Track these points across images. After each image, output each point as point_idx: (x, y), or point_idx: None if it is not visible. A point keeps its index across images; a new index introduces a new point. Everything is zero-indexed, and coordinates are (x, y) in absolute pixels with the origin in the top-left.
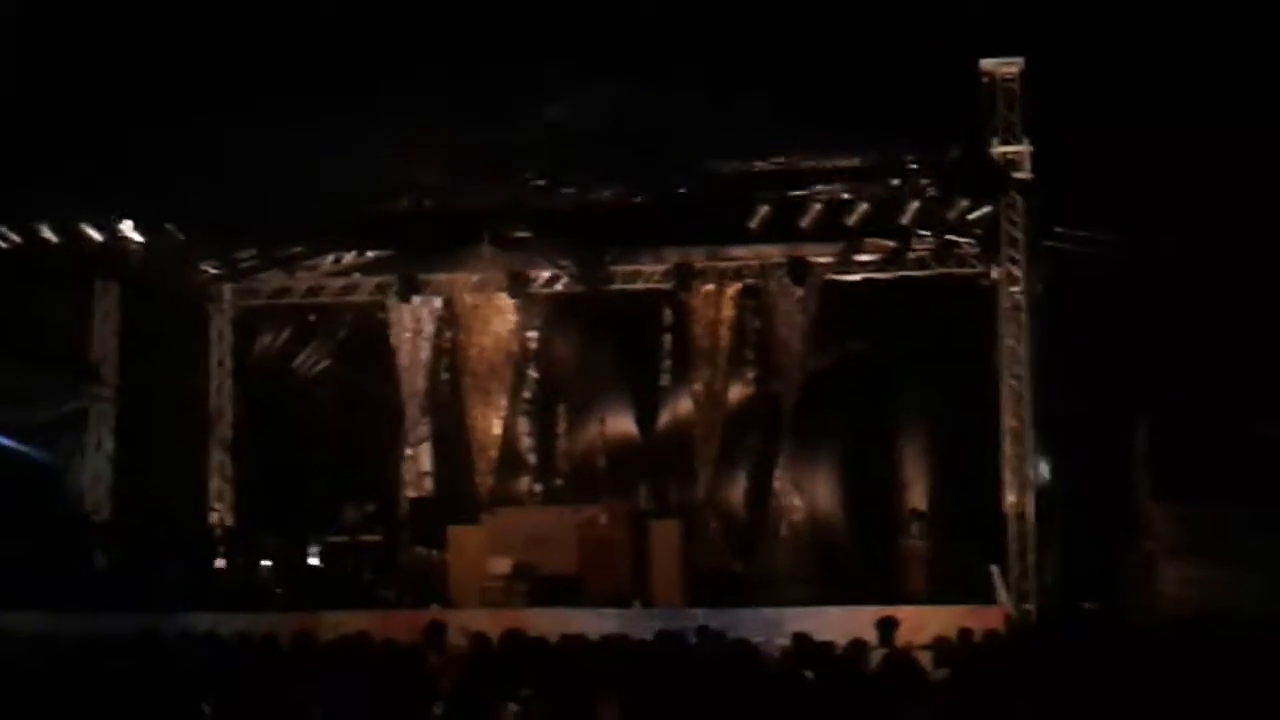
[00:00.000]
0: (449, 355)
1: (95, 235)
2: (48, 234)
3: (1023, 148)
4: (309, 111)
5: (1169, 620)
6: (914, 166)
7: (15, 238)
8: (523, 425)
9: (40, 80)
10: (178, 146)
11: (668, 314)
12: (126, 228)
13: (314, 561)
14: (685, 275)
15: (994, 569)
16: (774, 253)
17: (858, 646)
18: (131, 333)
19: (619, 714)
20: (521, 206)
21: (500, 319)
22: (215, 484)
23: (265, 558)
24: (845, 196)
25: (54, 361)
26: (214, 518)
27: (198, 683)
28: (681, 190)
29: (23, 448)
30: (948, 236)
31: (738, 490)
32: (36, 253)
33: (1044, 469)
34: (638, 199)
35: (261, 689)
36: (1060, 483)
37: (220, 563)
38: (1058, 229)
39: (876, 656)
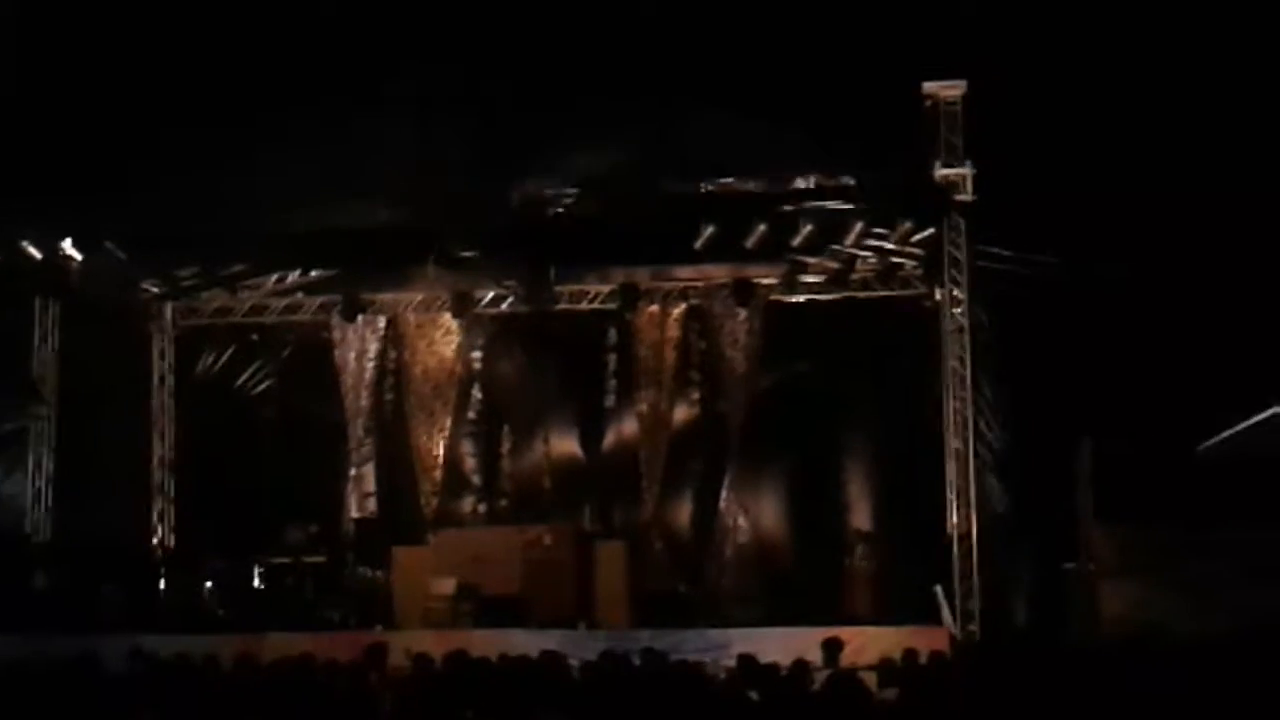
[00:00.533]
0: (393, 375)
1: (35, 253)
2: None
3: (965, 170)
4: (253, 128)
5: (1110, 640)
6: (857, 188)
7: None
8: (467, 445)
9: None
10: (118, 164)
11: (613, 334)
12: (67, 245)
13: (257, 583)
14: (630, 295)
15: (938, 590)
16: (719, 273)
17: (801, 667)
18: (72, 351)
19: None
20: (466, 225)
21: (445, 339)
22: (157, 504)
23: (208, 579)
24: (789, 216)
25: None
26: (156, 539)
27: (137, 705)
28: (627, 210)
29: None
30: (891, 258)
31: (683, 511)
32: None
33: (996, 492)
34: (583, 219)
35: (203, 711)
36: (1004, 504)
37: (162, 584)
38: (1000, 251)
39: (821, 677)
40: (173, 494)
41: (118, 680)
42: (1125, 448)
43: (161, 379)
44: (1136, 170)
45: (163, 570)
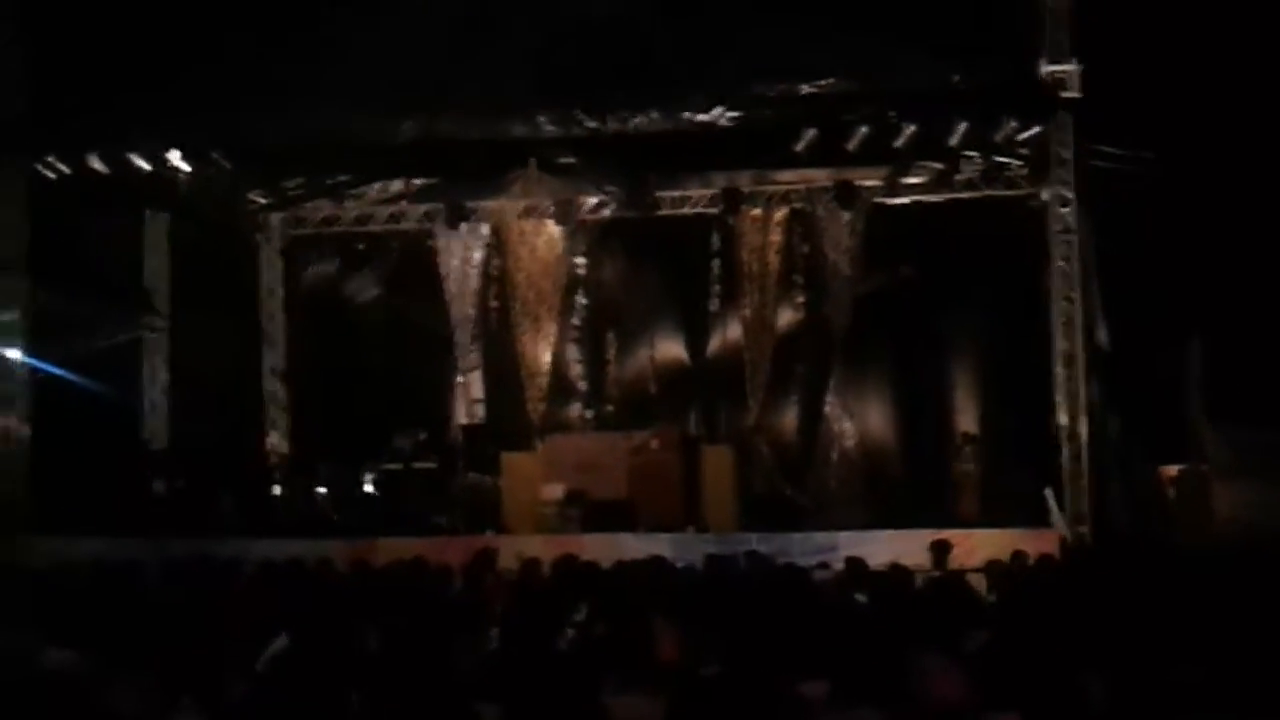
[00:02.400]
0: (497, 283)
1: (144, 165)
2: (97, 164)
3: (1071, 67)
4: (353, 37)
5: (1222, 542)
6: (961, 87)
7: (65, 168)
8: (572, 352)
9: (87, 11)
10: (224, 76)
11: (715, 239)
12: (174, 157)
13: (369, 489)
14: (732, 200)
15: (1048, 492)
16: (821, 176)
17: (900, 570)
18: (182, 262)
19: (677, 637)
20: (568, 133)
21: (548, 246)
22: (270, 412)
23: (320, 485)
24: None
25: (107, 292)
26: (269, 446)
27: (252, 607)
28: (729, 114)
29: (79, 377)
30: (996, 158)
31: (788, 415)
32: (86, 183)
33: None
34: (684, 124)
35: (318, 613)
36: (1115, 405)
37: (276, 490)
38: (1108, 149)
39: (929, 580)
40: (284, 402)
41: (234, 581)
42: (1236, 347)
43: (270, 289)
44: (1246, 66)
45: (276, 477)
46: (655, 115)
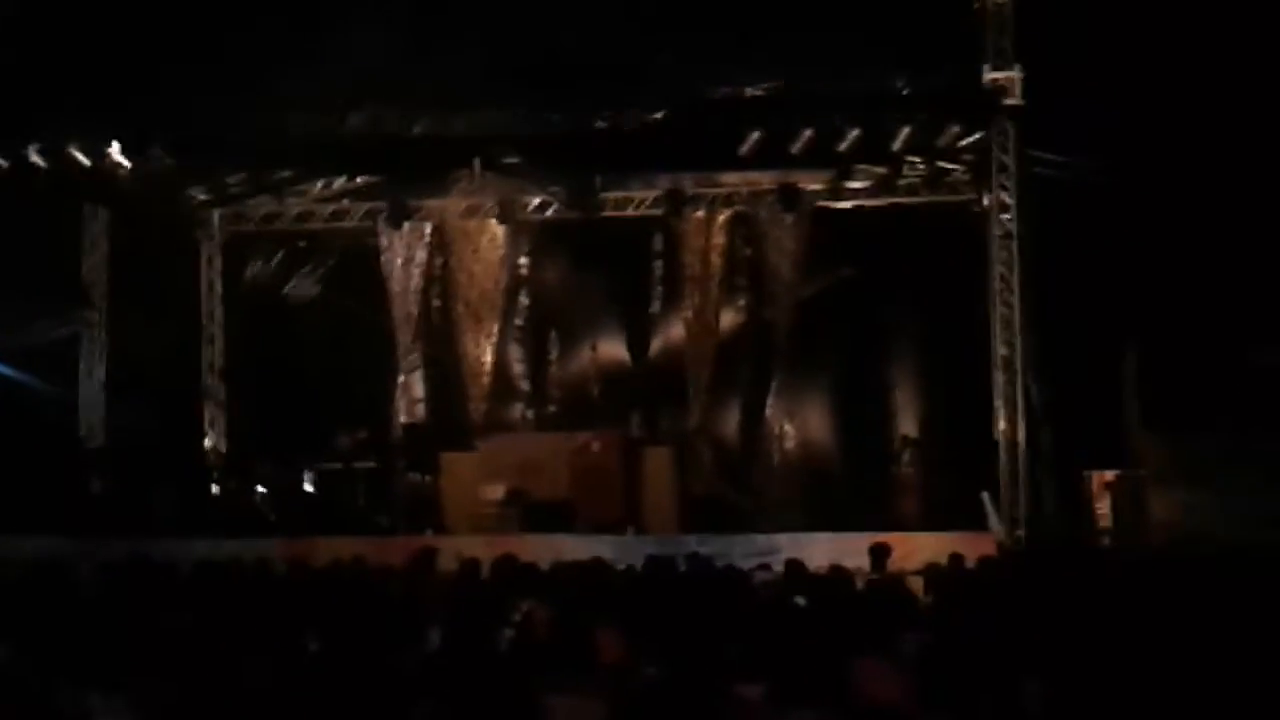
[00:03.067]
0: (440, 282)
1: (83, 160)
2: (36, 158)
3: (1014, 73)
4: (299, 33)
5: (1158, 547)
6: (905, 92)
7: (3, 162)
8: (514, 352)
9: (28, 4)
10: (167, 70)
11: (658, 240)
12: (115, 152)
13: (308, 488)
14: (676, 201)
15: (985, 496)
16: (765, 179)
17: (839, 572)
18: (121, 258)
19: (617, 639)
20: (512, 132)
21: (491, 245)
22: (208, 410)
23: (259, 484)
24: (835, 121)
25: (44, 287)
26: (207, 444)
27: (190, 607)
28: (672, 115)
29: (14, 373)
30: (939, 163)
31: (730, 417)
32: (25, 177)
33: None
34: (628, 124)
35: (256, 613)
36: (1050, 409)
37: (215, 489)
38: (1048, 155)
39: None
40: (223, 400)
41: (170, 582)
42: (1173, 353)
43: (210, 285)
44: (1186, 73)
45: (214, 475)
46: (600, 115)
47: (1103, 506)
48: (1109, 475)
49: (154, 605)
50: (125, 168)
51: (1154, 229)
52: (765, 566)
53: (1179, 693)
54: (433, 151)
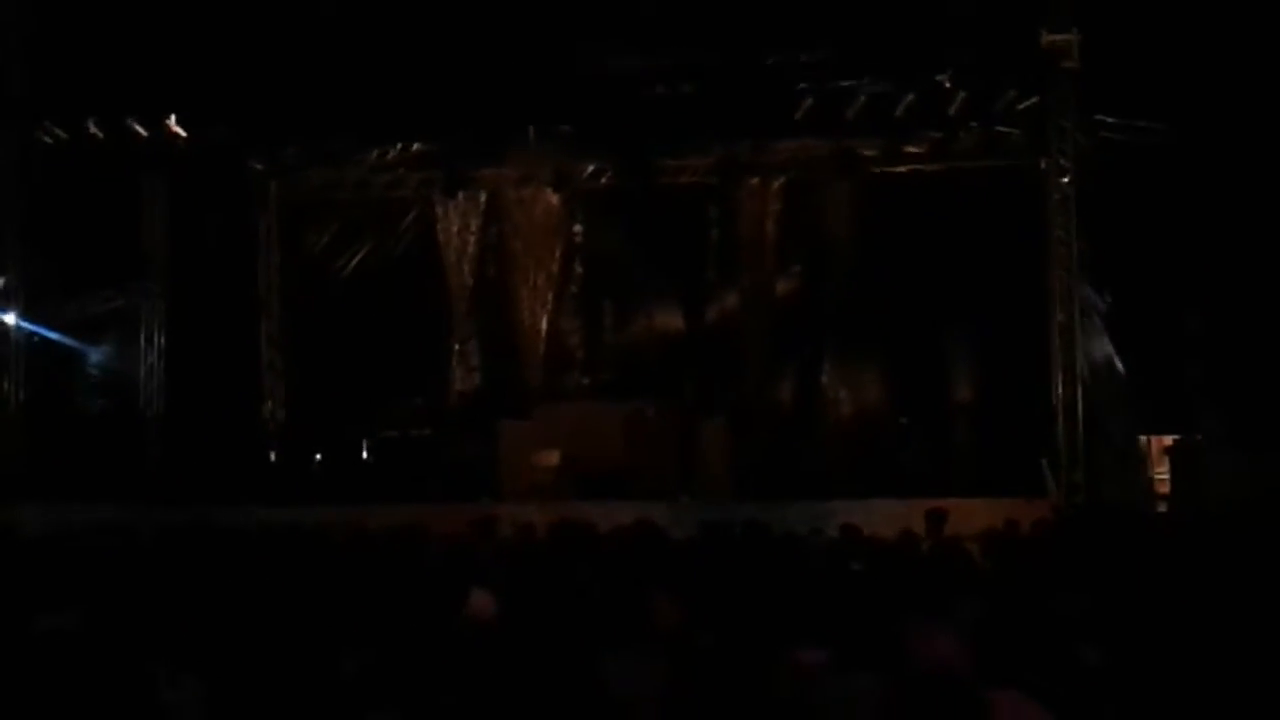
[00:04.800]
0: (494, 250)
1: (142, 131)
2: (95, 130)
3: (1071, 36)
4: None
5: (1216, 513)
6: (961, 57)
7: (63, 134)
8: (569, 320)
9: None
10: (223, 40)
11: (713, 209)
12: (173, 123)
13: (365, 455)
14: (730, 169)
15: (1044, 462)
16: (820, 146)
17: (908, 537)
18: (180, 228)
19: (674, 605)
20: (567, 100)
21: (545, 214)
22: (266, 379)
23: (316, 452)
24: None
25: (104, 257)
26: (265, 412)
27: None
28: (727, 82)
29: (75, 343)
30: (995, 127)
31: (785, 384)
32: (84, 148)
33: (1103, 363)
34: (683, 91)
35: (315, 579)
36: (1111, 375)
37: (272, 457)
38: (1107, 118)
39: (925, 548)
40: (281, 368)
41: (232, 547)
42: (1234, 316)
43: (268, 255)
44: (1247, 33)
45: (272, 444)
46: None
47: (1162, 471)
48: (1168, 440)
49: (217, 571)
50: (183, 138)
51: (1213, 191)
52: (818, 531)
53: (1236, 660)
54: (487, 120)
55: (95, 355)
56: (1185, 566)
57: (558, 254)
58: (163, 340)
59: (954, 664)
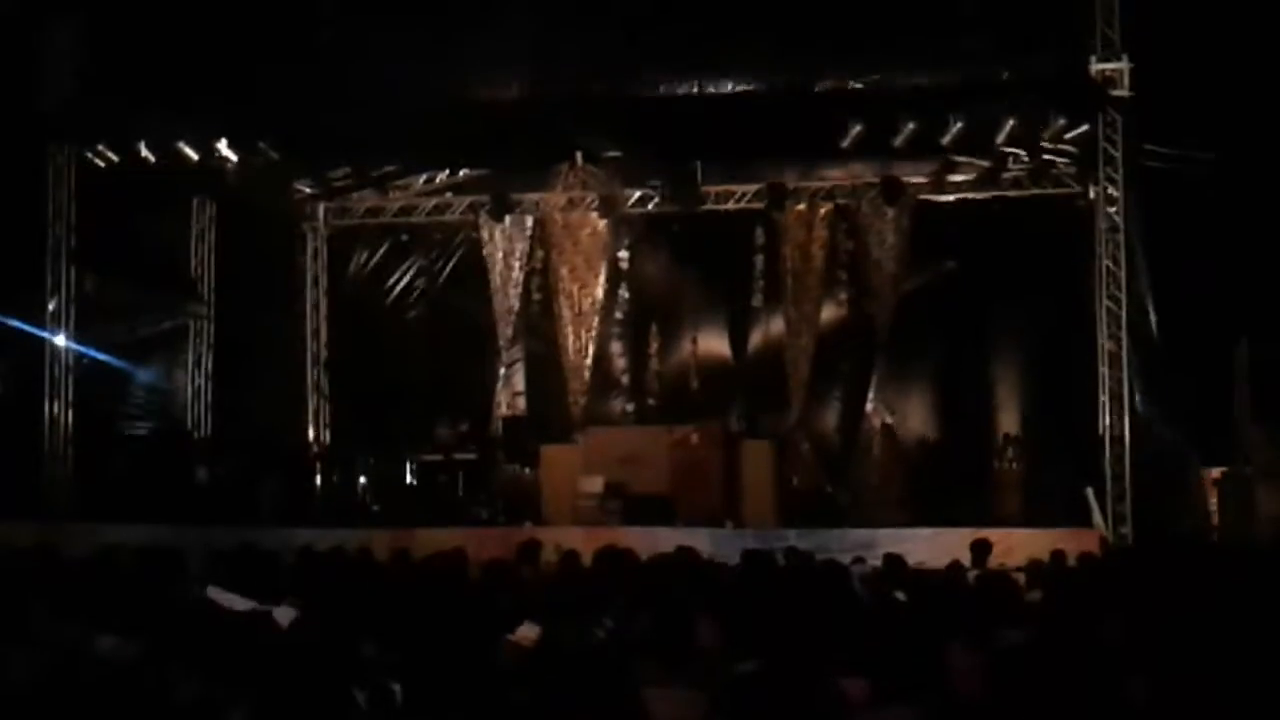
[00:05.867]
0: (541, 275)
1: (192, 154)
2: (146, 153)
3: (1122, 65)
4: (400, 27)
5: (1265, 544)
6: (1010, 85)
7: (114, 156)
8: (615, 345)
9: (139, 1)
10: (273, 66)
11: (760, 234)
12: (222, 146)
13: (409, 479)
14: (777, 195)
15: (1089, 492)
16: (867, 172)
17: (954, 567)
18: (228, 251)
19: (717, 631)
20: (614, 125)
21: (592, 239)
22: (312, 401)
23: (361, 475)
24: (939, 113)
25: (153, 279)
26: (311, 435)
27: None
28: (775, 108)
29: (124, 364)
30: (1044, 156)
31: (830, 411)
32: (135, 171)
33: (1151, 393)
34: (731, 117)
35: (358, 601)
36: (1159, 405)
37: (318, 479)
38: (1157, 148)
39: (970, 579)
40: (327, 391)
41: (272, 569)
42: None
43: (315, 278)
44: None
45: (318, 466)
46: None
47: (1211, 502)
48: (1216, 472)
49: (265, 594)
50: (232, 162)
51: (1263, 221)
52: (860, 560)
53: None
54: (534, 145)
55: (143, 376)
56: (1233, 598)
57: (603, 279)
58: (210, 362)
59: (990, 697)
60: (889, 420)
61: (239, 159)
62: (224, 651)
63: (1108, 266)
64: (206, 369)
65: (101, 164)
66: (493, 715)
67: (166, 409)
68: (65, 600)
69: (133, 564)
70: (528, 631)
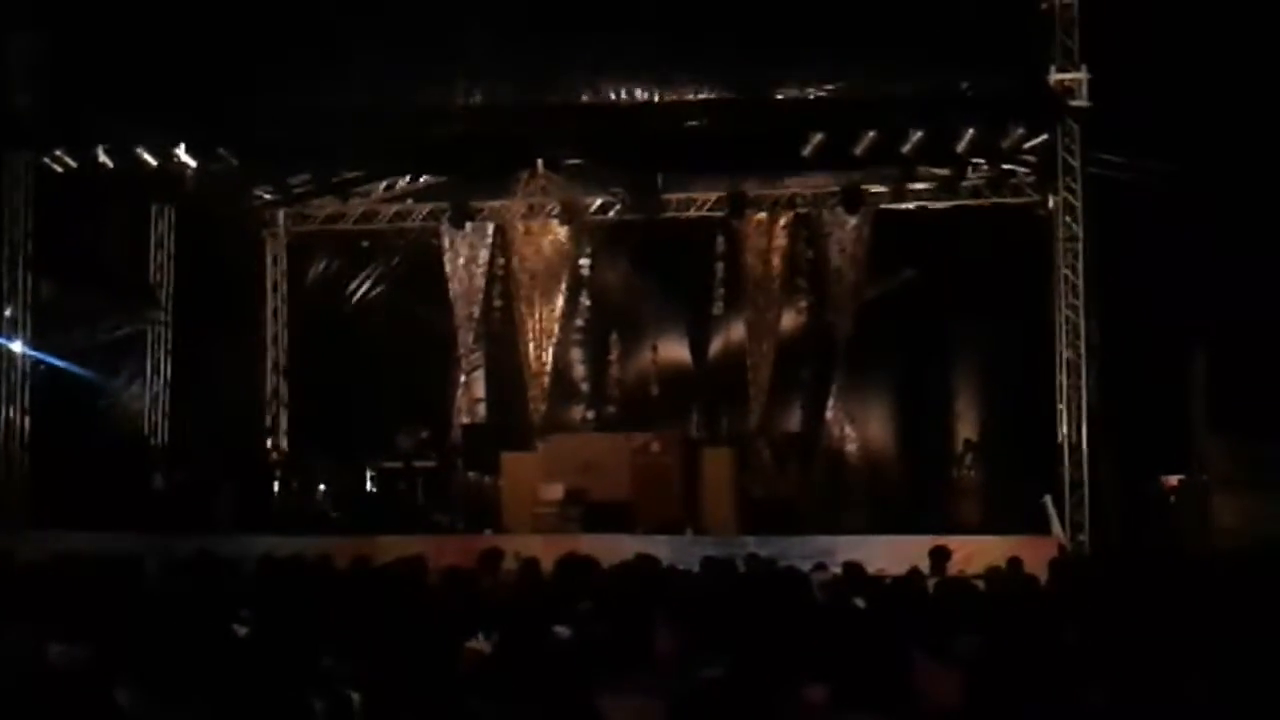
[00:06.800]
0: (501, 282)
1: (151, 160)
2: (104, 158)
3: (1081, 75)
4: (361, 34)
5: (1222, 553)
6: (969, 94)
7: (72, 162)
8: (575, 353)
9: (98, 6)
10: (233, 71)
11: (720, 242)
12: (181, 153)
13: (369, 487)
14: (738, 204)
15: (1048, 500)
16: (827, 181)
17: (915, 575)
18: (188, 257)
19: (676, 639)
20: (575, 132)
21: (553, 246)
22: (271, 409)
23: (320, 482)
24: (899, 122)
25: (111, 285)
26: (270, 442)
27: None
28: (736, 117)
29: (81, 370)
30: (1003, 165)
31: (790, 419)
32: (93, 177)
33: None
34: (692, 125)
35: (317, 608)
36: (1116, 414)
37: (276, 487)
38: (1115, 158)
39: (929, 586)
40: (286, 399)
41: (232, 578)
42: (1241, 357)
43: (274, 285)
44: (1253, 72)
45: (276, 473)
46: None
47: (1168, 511)
48: (1173, 480)
49: (222, 603)
50: (191, 168)
51: (1221, 231)
52: (821, 567)
53: (1236, 697)
54: (495, 152)
55: (101, 384)
56: (1190, 607)
57: (564, 286)
58: (169, 369)
59: (954, 703)
60: (848, 428)
61: (198, 165)
62: (178, 660)
63: (1065, 275)
64: (165, 376)
65: (60, 169)
66: None
67: (125, 416)
68: (19, 607)
69: (90, 571)
70: (486, 642)
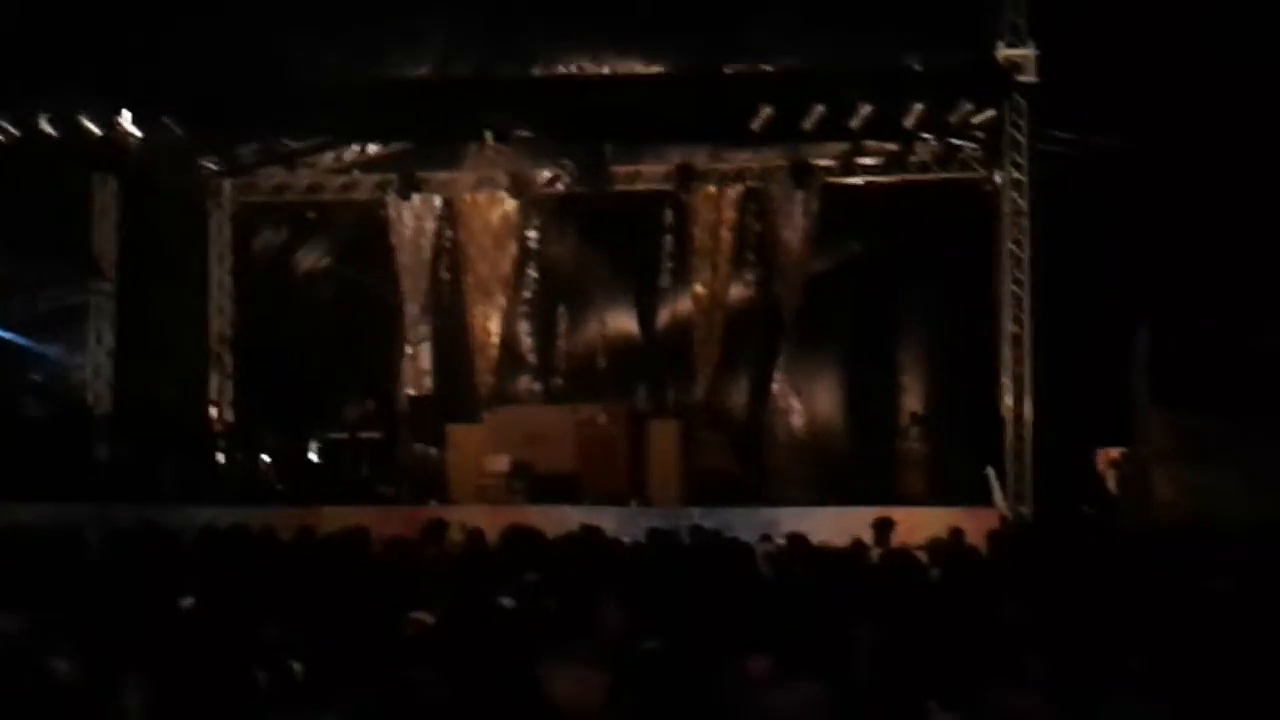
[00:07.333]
0: (449, 254)
1: (94, 129)
2: (46, 127)
3: (1028, 51)
4: (313, 5)
5: (1161, 526)
6: (918, 69)
7: (14, 131)
8: (523, 325)
9: None
10: (178, 39)
11: (668, 215)
12: (125, 121)
13: (313, 458)
14: (687, 177)
15: (990, 471)
16: (776, 155)
17: (859, 546)
18: (131, 227)
19: (620, 611)
20: (524, 104)
21: (501, 219)
22: (215, 379)
23: (265, 453)
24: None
25: (54, 254)
26: (214, 413)
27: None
28: (685, 90)
29: (24, 340)
30: (951, 140)
31: (737, 391)
32: (36, 146)
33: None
34: (641, 98)
35: (260, 580)
36: (1059, 386)
37: (220, 457)
38: (1062, 134)
39: (873, 557)
40: (230, 369)
41: (176, 548)
42: (1183, 333)
43: (220, 255)
44: (1201, 50)
45: (220, 444)
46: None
47: (1108, 484)
48: (1114, 453)
49: (163, 573)
50: (136, 137)
51: (1166, 207)
52: (766, 538)
53: (1180, 668)
54: (443, 123)
55: (42, 353)
56: (1128, 579)
57: (512, 259)
58: (111, 339)
59: (901, 675)
60: (795, 400)
61: (143, 134)
62: (118, 629)
63: (1011, 250)
64: (108, 346)
65: (2, 138)
66: (393, 694)
67: (67, 386)
68: None
69: (29, 541)
70: (430, 613)
